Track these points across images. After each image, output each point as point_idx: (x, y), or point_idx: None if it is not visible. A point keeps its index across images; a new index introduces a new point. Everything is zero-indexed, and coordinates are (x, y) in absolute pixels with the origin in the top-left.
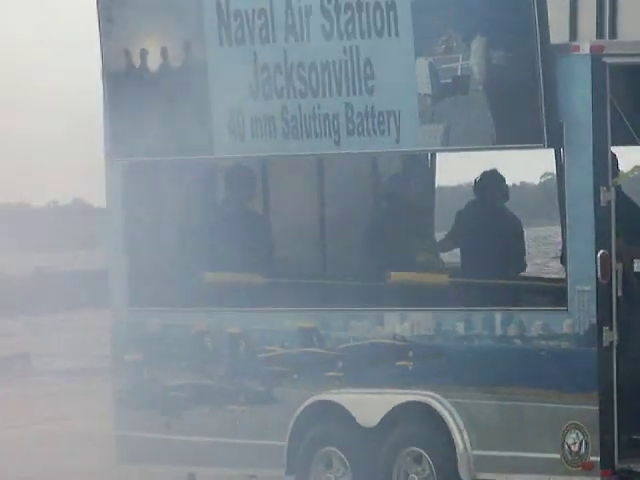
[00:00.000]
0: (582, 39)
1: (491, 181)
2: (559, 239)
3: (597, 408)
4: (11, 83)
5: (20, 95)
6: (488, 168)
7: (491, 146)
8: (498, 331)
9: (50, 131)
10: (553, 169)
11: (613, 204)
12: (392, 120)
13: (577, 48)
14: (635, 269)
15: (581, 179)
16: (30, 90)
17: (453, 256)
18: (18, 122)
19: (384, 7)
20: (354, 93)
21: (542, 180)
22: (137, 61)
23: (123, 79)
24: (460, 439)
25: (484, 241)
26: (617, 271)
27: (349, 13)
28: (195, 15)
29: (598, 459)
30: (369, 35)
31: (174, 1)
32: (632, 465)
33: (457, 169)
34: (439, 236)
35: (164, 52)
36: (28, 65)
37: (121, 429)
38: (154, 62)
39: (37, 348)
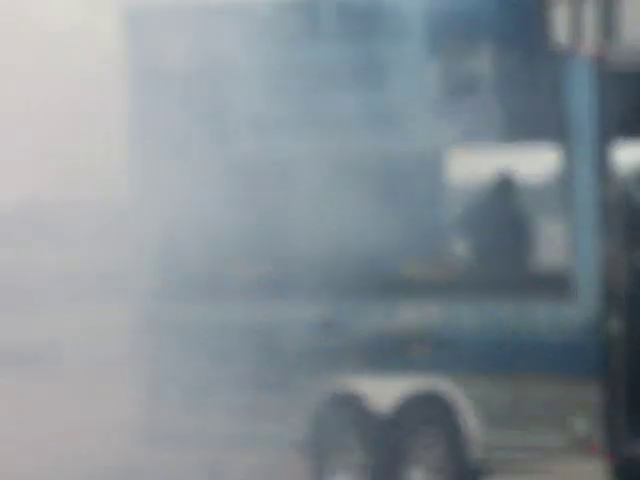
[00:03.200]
0: (586, 42)
1: (501, 177)
2: (567, 231)
3: (604, 395)
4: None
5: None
6: (497, 164)
7: (499, 143)
8: (507, 321)
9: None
10: (560, 164)
11: (618, 198)
12: (403, 118)
13: (581, 50)
14: None
15: (587, 174)
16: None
17: (464, 248)
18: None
19: (396, 9)
20: (367, 92)
21: (549, 175)
22: (160, 62)
23: (147, 79)
24: (470, 425)
25: (494, 234)
26: (623, 261)
27: (362, 13)
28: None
29: (606, 444)
30: (381, 35)
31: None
32: (638, 450)
33: (467, 165)
34: (451, 229)
35: (185, 53)
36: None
37: (144, 416)
38: (176, 63)
39: (59, 338)
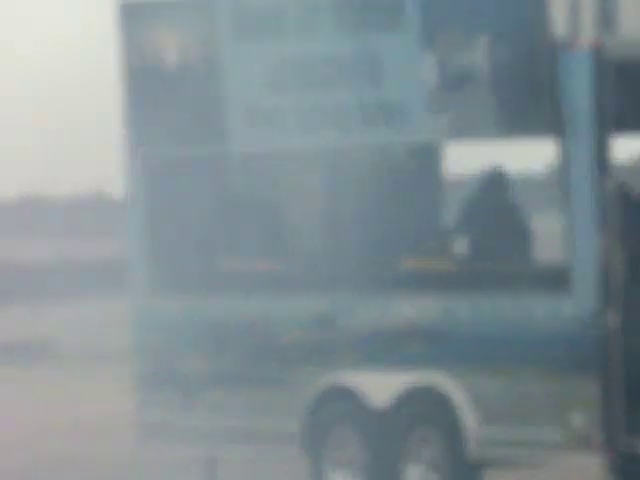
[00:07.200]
0: (584, 33)
1: (498, 170)
2: (564, 225)
3: (602, 389)
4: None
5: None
6: (494, 158)
7: (496, 137)
8: (504, 314)
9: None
10: (557, 158)
11: (615, 191)
12: (400, 112)
13: (579, 42)
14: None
15: (584, 168)
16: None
17: (460, 242)
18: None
19: (392, 2)
20: (363, 86)
21: (546, 169)
22: (156, 56)
23: (142, 74)
24: (468, 419)
25: (490, 227)
26: (620, 255)
27: (358, 8)
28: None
29: (603, 439)
30: (378, 29)
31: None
32: (637, 445)
33: (463, 159)
34: (447, 223)
35: (182, 48)
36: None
37: (141, 412)
38: (173, 57)
39: (56, 333)
